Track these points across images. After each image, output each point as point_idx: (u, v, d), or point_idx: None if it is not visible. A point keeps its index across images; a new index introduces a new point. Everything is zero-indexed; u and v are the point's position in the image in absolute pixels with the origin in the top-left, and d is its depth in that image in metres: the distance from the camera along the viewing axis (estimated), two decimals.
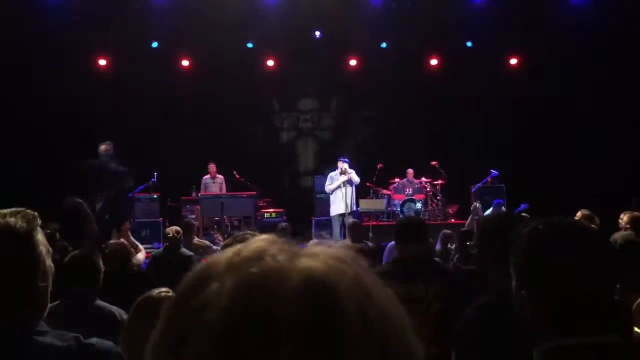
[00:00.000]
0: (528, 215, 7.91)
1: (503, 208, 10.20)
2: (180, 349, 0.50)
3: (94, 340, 1.49)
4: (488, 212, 9.85)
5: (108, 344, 1.53)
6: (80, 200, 4.95)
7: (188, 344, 0.50)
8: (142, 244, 10.34)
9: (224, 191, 11.34)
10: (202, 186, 11.52)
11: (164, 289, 2.12)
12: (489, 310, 2.07)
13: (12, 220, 1.42)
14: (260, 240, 0.57)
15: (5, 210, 1.45)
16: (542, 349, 1.30)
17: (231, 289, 0.51)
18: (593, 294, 1.28)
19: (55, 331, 1.45)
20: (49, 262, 1.47)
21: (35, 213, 1.47)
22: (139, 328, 2.24)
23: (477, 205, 10.37)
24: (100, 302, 3.23)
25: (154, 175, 10.80)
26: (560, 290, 1.29)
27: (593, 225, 6.12)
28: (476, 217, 10.32)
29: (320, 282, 0.51)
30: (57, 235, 5.54)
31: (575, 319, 1.28)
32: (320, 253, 0.55)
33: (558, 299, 1.29)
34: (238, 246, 0.57)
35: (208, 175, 11.54)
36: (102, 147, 8.89)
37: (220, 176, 11.57)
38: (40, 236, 1.45)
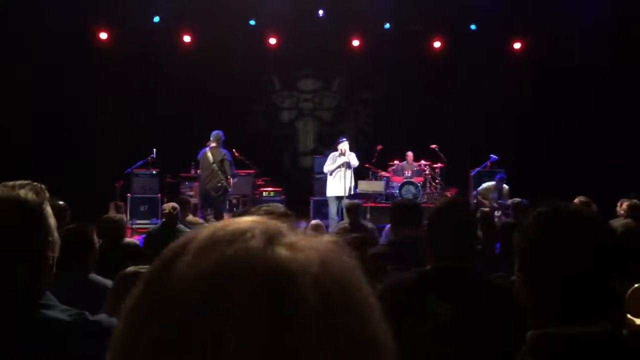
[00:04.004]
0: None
1: (505, 185, 10.41)
2: (148, 320, 0.51)
3: (101, 316, 1.48)
4: (490, 184, 10.48)
5: (115, 321, 1.51)
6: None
7: (153, 317, 0.50)
8: (140, 219, 10.43)
9: None
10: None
11: (144, 266, 2.11)
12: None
13: (22, 192, 1.40)
14: (245, 221, 0.55)
15: (12, 183, 1.43)
16: (533, 335, 1.29)
17: (198, 271, 0.51)
18: (589, 281, 1.27)
19: (62, 306, 1.44)
20: (56, 233, 1.47)
21: (43, 185, 1.46)
22: (117, 302, 2.25)
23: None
24: (94, 276, 3.23)
25: (152, 151, 10.77)
26: (556, 277, 1.28)
27: None
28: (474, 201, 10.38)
29: (283, 273, 0.50)
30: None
31: (569, 306, 1.27)
32: (298, 242, 0.53)
33: (552, 285, 1.28)
34: (223, 222, 0.56)
35: None
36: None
37: None
38: (49, 208, 1.45)
